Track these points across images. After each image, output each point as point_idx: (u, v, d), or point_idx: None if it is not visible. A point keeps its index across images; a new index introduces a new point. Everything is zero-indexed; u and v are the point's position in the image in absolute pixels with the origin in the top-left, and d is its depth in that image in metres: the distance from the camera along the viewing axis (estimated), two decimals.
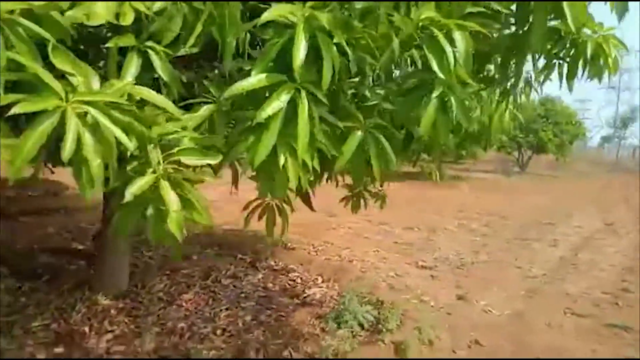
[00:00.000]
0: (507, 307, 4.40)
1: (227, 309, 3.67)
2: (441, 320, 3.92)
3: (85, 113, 1.12)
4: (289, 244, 5.88)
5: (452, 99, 1.79)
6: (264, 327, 3.42)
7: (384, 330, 3.43)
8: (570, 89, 2.25)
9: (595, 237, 8.05)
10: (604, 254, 6.79)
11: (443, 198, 12.50)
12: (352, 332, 3.42)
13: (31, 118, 1.07)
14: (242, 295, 4.01)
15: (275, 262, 5.10)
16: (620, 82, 65.27)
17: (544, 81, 2.45)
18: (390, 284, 4.77)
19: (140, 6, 1.35)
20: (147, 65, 1.50)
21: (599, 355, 3.45)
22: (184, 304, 3.71)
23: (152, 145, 1.37)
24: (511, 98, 3.01)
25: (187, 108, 1.70)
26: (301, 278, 4.65)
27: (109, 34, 1.76)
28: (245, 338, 3.22)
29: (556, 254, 6.62)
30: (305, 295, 4.16)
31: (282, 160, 1.56)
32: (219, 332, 3.30)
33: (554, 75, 2.29)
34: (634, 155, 35.64)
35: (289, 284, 4.43)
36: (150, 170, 1.35)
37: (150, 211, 1.40)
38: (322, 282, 4.58)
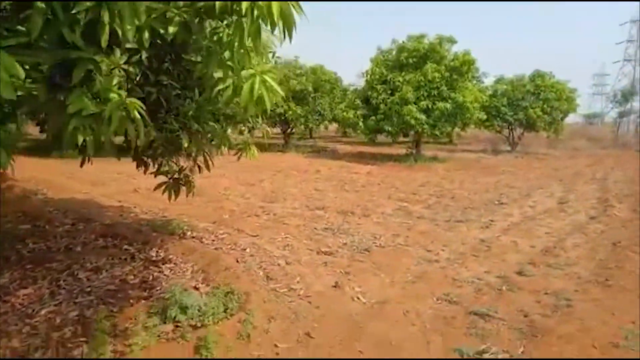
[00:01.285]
0: (380, 295, 4.20)
1: (55, 305, 3.53)
2: (291, 311, 3.75)
3: None
4: (190, 233, 5.75)
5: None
6: (81, 324, 3.28)
7: (207, 323, 3.27)
8: None
9: (538, 218, 7.75)
10: (532, 236, 6.51)
11: (409, 179, 12.21)
12: (176, 325, 3.27)
13: None
14: (88, 289, 3.87)
15: (157, 252, 4.95)
16: (638, 54, 63.49)
17: None
18: (268, 273, 4.59)
19: None
20: None
21: (432, 347, 3.25)
22: (13, 299, 3.58)
23: None
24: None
25: None
26: (171, 270, 4.49)
27: None
28: (48, 336, 3.08)
29: (479, 236, 6.36)
30: (158, 288, 4.00)
31: None
32: (26, 330, 3.16)
33: None
34: (636, 131, 34.71)
35: (152, 277, 4.28)
36: None
37: None
38: (190, 273, 4.42)
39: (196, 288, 4.01)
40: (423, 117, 15.33)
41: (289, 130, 22.16)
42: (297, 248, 5.56)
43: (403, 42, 16.73)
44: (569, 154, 24.39)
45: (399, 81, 15.92)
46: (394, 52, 17.00)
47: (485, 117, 17.23)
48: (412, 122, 15.29)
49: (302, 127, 21.10)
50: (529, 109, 22.00)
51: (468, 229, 6.85)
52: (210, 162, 3.72)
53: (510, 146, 24.36)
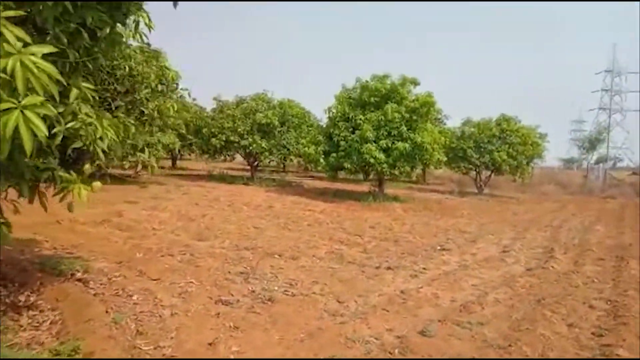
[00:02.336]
0: (258, 356, 3.77)
1: None
2: None
3: None
4: (80, 274, 5.27)
5: None
6: None
7: None
8: None
9: (473, 267, 7.44)
10: (457, 288, 6.17)
11: (360, 220, 11.90)
12: None
13: None
14: None
15: (27, 297, 4.45)
16: (611, 104, 65.85)
17: None
18: (141, 326, 4.11)
19: None
20: None
21: None
22: None
23: None
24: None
25: None
26: (30, 319, 4.00)
27: None
28: None
29: (401, 287, 6.00)
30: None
31: None
32: None
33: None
34: (604, 177, 35.33)
35: (4, 326, 3.78)
36: None
37: None
38: (49, 323, 3.94)
39: (41, 344, 3.53)
40: (382, 156, 15.20)
41: (255, 163, 21.84)
42: (195, 296, 5.11)
43: (366, 81, 16.78)
44: (537, 199, 24.52)
45: (360, 119, 15.87)
46: (357, 91, 17.03)
47: (445, 158, 17.08)
48: (372, 160, 15.14)
49: (266, 160, 20.79)
50: (494, 153, 22.17)
51: (394, 277, 6.48)
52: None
53: (477, 188, 24.40)
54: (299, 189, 19.44)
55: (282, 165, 29.26)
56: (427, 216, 13.93)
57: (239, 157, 23.82)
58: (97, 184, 3.96)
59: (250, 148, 19.69)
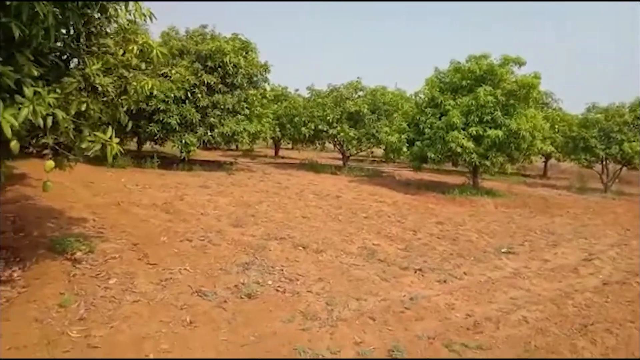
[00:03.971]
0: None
1: None
2: None
3: None
4: (80, 253, 5.41)
5: None
6: None
7: None
8: None
9: (529, 276, 6.18)
10: (486, 300, 5.11)
11: (430, 214, 10.86)
12: None
13: None
14: None
15: (11, 273, 4.65)
16: None
17: None
18: (91, 311, 4.02)
19: None
20: None
21: None
22: None
23: None
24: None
25: None
26: None
27: None
28: None
29: (415, 292, 5.14)
30: None
31: None
32: None
33: None
34: None
35: None
36: None
37: None
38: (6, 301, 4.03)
39: None
40: (471, 145, 13.69)
41: (346, 152, 21.43)
42: (176, 284, 4.92)
43: (459, 62, 15.27)
44: None
45: (449, 105, 14.50)
46: (450, 74, 15.59)
47: (550, 148, 14.81)
48: (459, 149, 13.74)
49: (353, 150, 20.23)
50: (624, 143, 18.76)
51: (414, 281, 5.62)
52: None
53: (603, 184, 20.93)
54: (386, 180, 18.56)
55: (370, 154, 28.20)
56: (519, 214, 12.22)
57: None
58: (49, 163, 3.91)
59: (339, 137, 19.34)
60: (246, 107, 16.05)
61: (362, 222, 9.27)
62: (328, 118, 19.38)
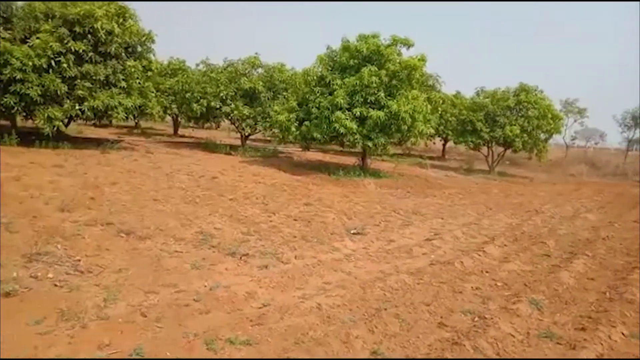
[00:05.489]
0: None
1: None
2: None
3: None
4: None
5: None
6: None
7: None
8: None
9: (359, 259, 6.04)
10: (276, 289, 4.84)
11: (303, 195, 10.59)
12: None
13: None
14: None
15: None
16: None
17: None
18: None
19: None
20: None
21: None
22: None
23: None
24: None
25: None
26: None
27: None
28: None
29: (206, 283, 4.74)
30: None
31: None
32: None
33: None
34: None
35: None
36: None
37: None
38: None
39: None
40: (354, 125, 13.61)
41: (243, 131, 20.68)
42: None
43: (349, 41, 15.06)
44: (555, 180, 22.07)
45: (336, 84, 14.28)
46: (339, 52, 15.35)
47: (431, 130, 15.18)
48: (342, 130, 13.61)
49: (248, 129, 19.52)
50: (506, 127, 19.87)
51: (229, 269, 5.21)
52: None
53: (489, 166, 22.17)
54: (281, 161, 18.15)
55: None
56: (394, 194, 12.39)
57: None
58: None
59: (232, 115, 18.55)
60: (122, 79, 14.70)
61: (221, 204, 8.74)
62: (221, 95, 18.48)
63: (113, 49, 14.31)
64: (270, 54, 65.88)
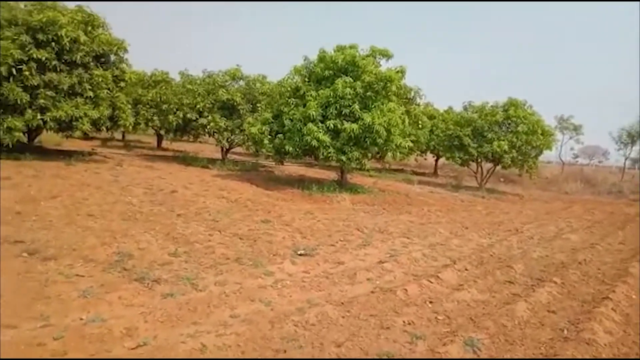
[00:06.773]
0: None
1: None
2: None
3: None
4: None
5: None
6: None
7: None
8: None
9: (285, 286, 5.30)
10: (165, 323, 4.10)
11: (265, 212, 9.88)
12: None
13: None
14: None
15: None
16: None
17: None
18: None
19: None
20: None
21: None
22: None
23: None
24: None
25: None
26: None
27: None
28: None
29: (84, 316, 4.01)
30: None
31: None
32: None
33: None
34: None
35: None
36: None
37: None
38: None
39: None
40: (327, 138, 12.95)
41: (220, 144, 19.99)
42: None
43: (325, 51, 14.50)
44: (548, 198, 21.32)
45: (310, 95, 13.67)
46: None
47: (409, 144, 14.47)
48: (314, 143, 12.94)
49: (225, 141, 18.82)
50: (494, 142, 19.19)
51: (125, 298, 4.47)
52: None
53: (478, 183, 21.44)
54: (258, 175, 17.47)
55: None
56: (367, 211, 11.67)
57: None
58: None
59: (208, 127, 17.93)
60: (89, 89, 14.12)
61: (164, 221, 8.02)
62: (198, 107, 17.89)
63: (79, 57, 13.77)
64: (270, 62, 65.58)
